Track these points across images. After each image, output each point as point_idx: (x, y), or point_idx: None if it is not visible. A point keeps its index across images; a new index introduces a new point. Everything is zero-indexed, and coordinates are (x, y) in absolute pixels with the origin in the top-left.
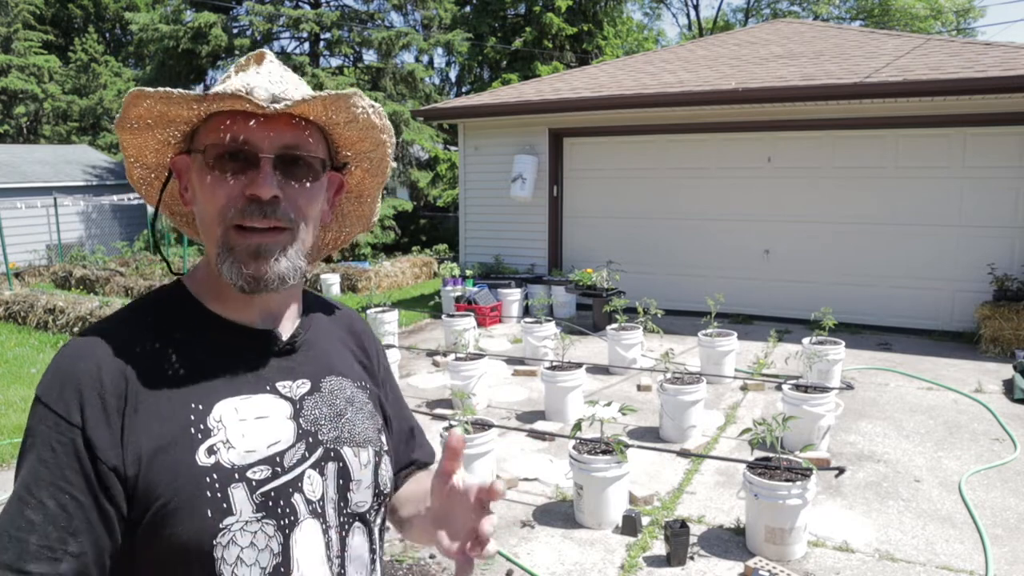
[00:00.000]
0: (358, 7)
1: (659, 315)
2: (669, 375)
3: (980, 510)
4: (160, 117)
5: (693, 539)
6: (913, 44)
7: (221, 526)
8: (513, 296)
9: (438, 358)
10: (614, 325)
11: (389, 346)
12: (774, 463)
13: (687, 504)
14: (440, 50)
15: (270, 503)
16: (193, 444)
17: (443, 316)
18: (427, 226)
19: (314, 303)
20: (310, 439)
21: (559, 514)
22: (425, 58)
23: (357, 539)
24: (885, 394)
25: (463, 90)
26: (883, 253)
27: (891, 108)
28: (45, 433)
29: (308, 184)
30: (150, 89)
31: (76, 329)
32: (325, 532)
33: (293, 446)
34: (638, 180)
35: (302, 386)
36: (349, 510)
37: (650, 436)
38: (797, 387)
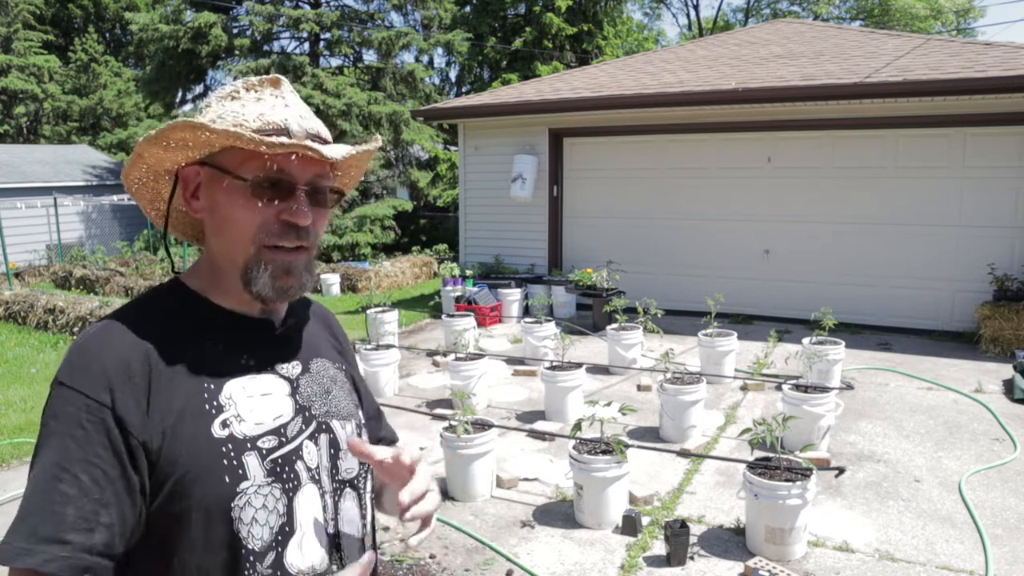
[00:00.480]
0: (358, 7)
1: (659, 315)
2: (669, 375)
3: (980, 510)
4: (205, 142)
5: (693, 539)
6: (913, 44)
7: (238, 490)
8: (513, 296)
9: (438, 358)
10: (614, 325)
11: (389, 346)
12: (774, 463)
13: (687, 504)
14: (440, 50)
15: (278, 468)
16: (208, 419)
17: (443, 316)
18: (427, 226)
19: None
20: (306, 413)
21: (559, 514)
22: (425, 58)
23: (348, 503)
24: (885, 394)
25: (463, 90)
26: (883, 253)
27: (891, 108)
28: (73, 414)
29: (326, 210)
30: (216, 127)
31: (76, 329)
32: (322, 497)
33: (293, 419)
34: (638, 180)
35: (296, 367)
36: (340, 477)
37: (650, 436)
38: (797, 387)
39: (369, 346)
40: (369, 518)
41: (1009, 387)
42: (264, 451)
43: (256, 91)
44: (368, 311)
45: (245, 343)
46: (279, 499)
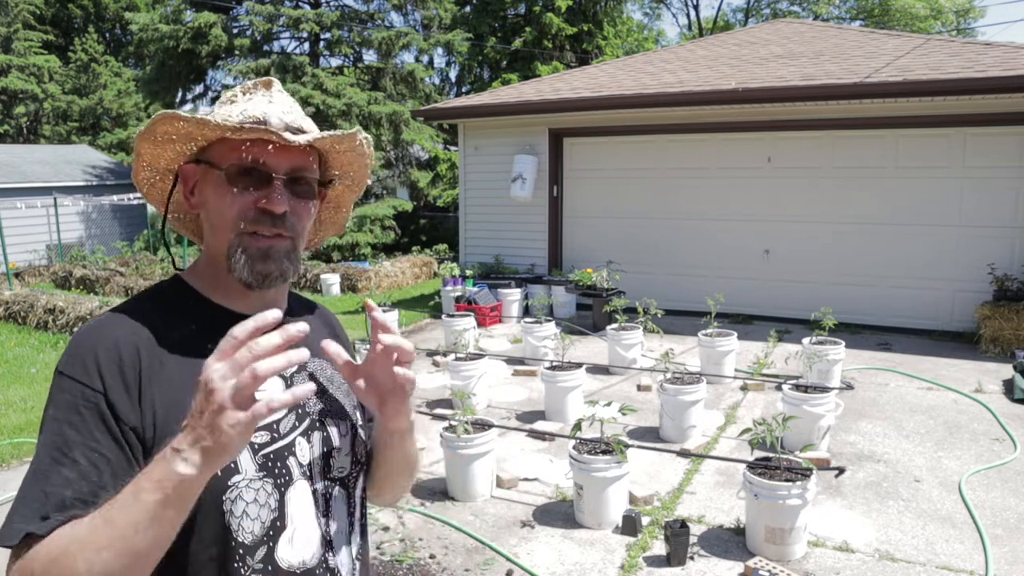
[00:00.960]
0: (358, 7)
1: (659, 315)
2: (669, 375)
3: (980, 510)
4: (186, 135)
5: (693, 539)
6: (913, 44)
7: (229, 483)
8: (513, 296)
9: (438, 358)
10: (614, 325)
11: None
12: (774, 463)
13: (687, 504)
14: (440, 50)
15: (269, 463)
16: None
17: (443, 316)
18: (427, 226)
19: (297, 301)
20: (299, 410)
21: (559, 514)
22: (425, 58)
23: (338, 501)
24: (885, 394)
25: (463, 90)
26: (883, 253)
27: (891, 108)
28: (70, 401)
29: (310, 204)
30: (186, 115)
31: (76, 329)
32: (313, 494)
33: (286, 416)
34: (638, 180)
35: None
36: (331, 475)
37: (650, 436)
38: (797, 387)
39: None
40: (358, 515)
41: (1009, 387)
42: (256, 446)
43: (250, 93)
44: None
45: None
46: (271, 494)
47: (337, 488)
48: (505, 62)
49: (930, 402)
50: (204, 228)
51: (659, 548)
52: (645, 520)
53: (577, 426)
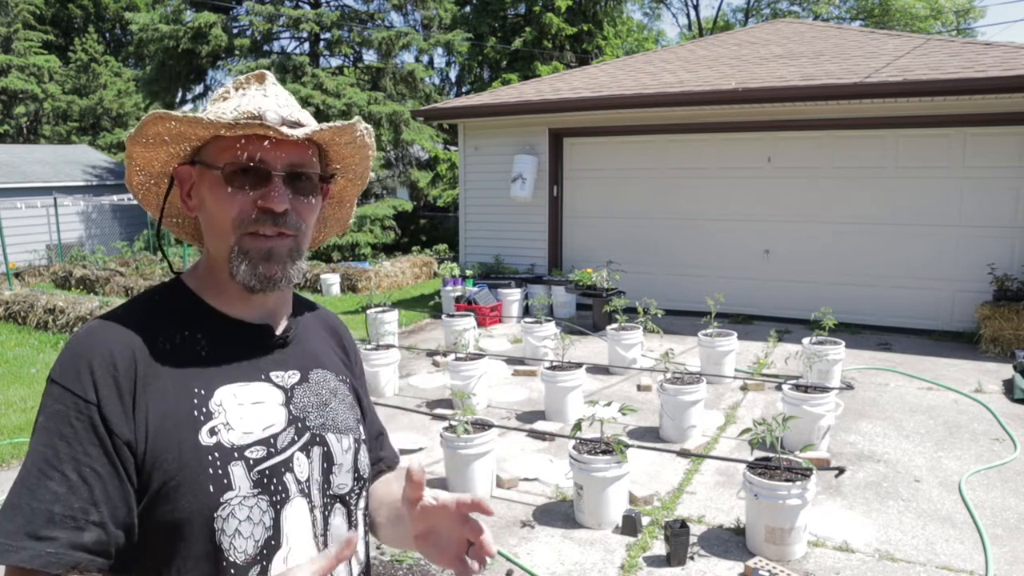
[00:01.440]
0: (358, 7)
1: (659, 315)
2: (669, 375)
3: (980, 510)
4: (178, 135)
5: (693, 539)
6: (913, 44)
7: (222, 500)
8: (513, 296)
9: (438, 358)
10: (614, 325)
11: (389, 346)
12: (774, 463)
13: (687, 504)
14: (440, 50)
15: (265, 480)
16: (196, 425)
17: (443, 316)
18: (427, 226)
19: (302, 305)
20: (299, 424)
21: (559, 514)
22: (425, 58)
23: (338, 519)
24: (885, 394)
25: (463, 90)
26: (883, 253)
27: (891, 108)
28: (62, 412)
29: (311, 199)
30: (176, 113)
31: (76, 329)
32: (311, 511)
33: (285, 430)
34: (638, 180)
35: (293, 376)
36: (331, 492)
37: (650, 436)
38: (797, 387)
39: (369, 346)
40: (360, 535)
41: (1009, 387)
42: (251, 461)
43: (243, 88)
44: (368, 311)
45: (239, 348)
46: (265, 511)
47: (338, 505)
48: (505, 62)
49: (930, 402)
50: (203, 231)
51: (659, 548)
52: (645, 520)
53: (577, 426)
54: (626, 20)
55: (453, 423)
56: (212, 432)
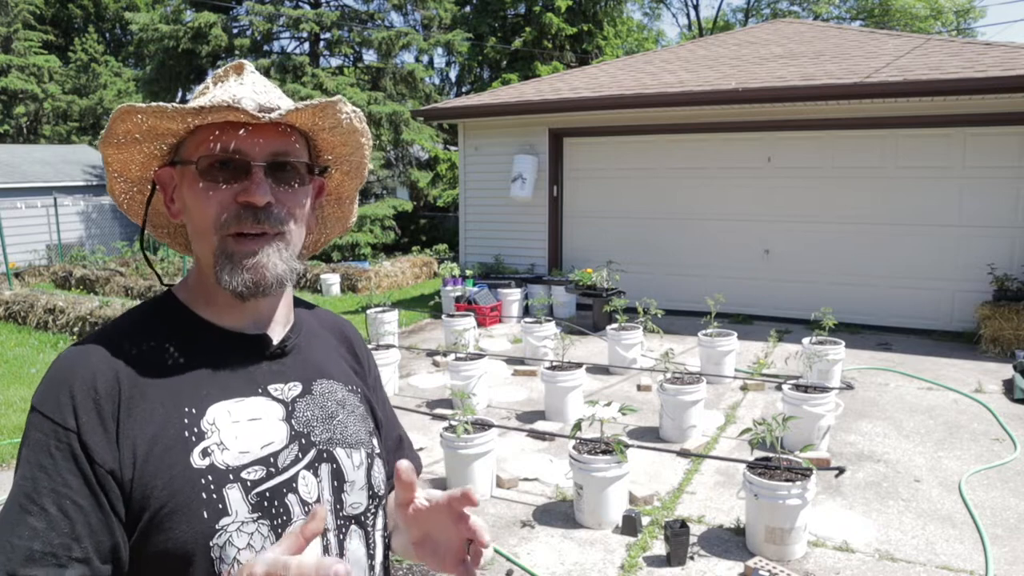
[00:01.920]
0: (358, 7)
1: (659, 315)
2: (669, 375)
3: (980, 510)
4: (149, 131)
5: (693, 539)
6: (913, 44)
7: (217, 527)
8: (513, 296)
9: (438, 358)
10: (614, 325)
11: (389, 346)
12: (774, 463)
13: (687, 504)
14: (440, 50)
15: (265, 503)
16: (187, 447)
17: (443, 316)
18: (427, 226)
19: (304, 309)
20: (303, 440)
21: (559, 514)
22: (425, 58)
23: (355, 543)
24: (885, 394)
25: (463, 90)
26: (883, 253)
27: (891, 108)
28: (42, 440)
29: (296, 187)
30: (141, 104)
31: (76, 329)
32: (323, 535)
33: (287, 447)
34: (638, 180)
35: (294, 388)
36: (345, 513)
37: (650, 436)
38: (797, 387)
39: (369, 346)
40: (379, 558)
41: (1009, 387)
42: (249, 483)
43: (222, 81)
44: (368, 311)
45: (233, 362)
46: (266, 537)
47: (353, 527)
48: (505, 62)
49: (930, 402)
50: (190, 237)
51: (659, 548)
52: (645, 520)
53: (577, 426)
54: (626, 20)
55: (453, 423)
56: (205, 453)
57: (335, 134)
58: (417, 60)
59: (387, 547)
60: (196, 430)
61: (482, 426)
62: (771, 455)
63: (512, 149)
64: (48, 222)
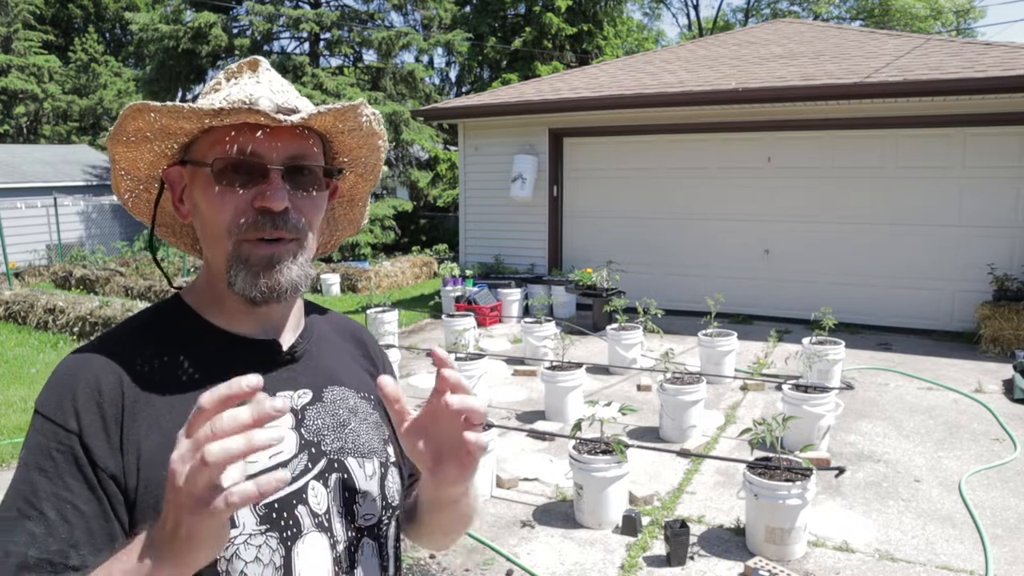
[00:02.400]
0: (358, 7)
1: (659, 315)
2: (669, 375)
3: (980, 510)
4: (161, 130)
5: (693, 539)
6: (913, 44)
7: None
8: (513, 296)
9: None
10: (614, 325)
11: (389, 346)
12: (774, 463)
13: (687, 504)
14: (440, 50)
15: (273, 515)
16: None
17: (443, 316)
18: (427, 226)
19: (315, 313)
20: (312, 449)
21: (559, 514)
22: (425, 58)
23: (368, 555)
24: (885, 394)
25: (463, 90)
26: (883, 253)
27: (891, 108)
28: (43, 443)
29: (314, 193)
30: (155, 103)
31: (76, 329)
32: (333, 547)
33: (296, 456)
34: (638, 180)
35: (303, 396)
36: (357, 524)
37: (650, 436)
38: (797, 387)
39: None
40: (392, 570)
41: (1009, 387)
42: None
43: (235, 77)
44: (368, 311)
45: (242, 368)
46: (275, 550)
47: (366, 539)
48: (505, 62)
49: (930, 402)
50: (199, 239)
51: (659, 548)
52: (645, 520)
53: (577, 426)
54: (626, 20)
55: None
56: None
57: (353, 136)
58: (417, 60)
59: (398, 559)
60: None
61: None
62: (771, 455)
63: (512, 149)
64: (48, 222)
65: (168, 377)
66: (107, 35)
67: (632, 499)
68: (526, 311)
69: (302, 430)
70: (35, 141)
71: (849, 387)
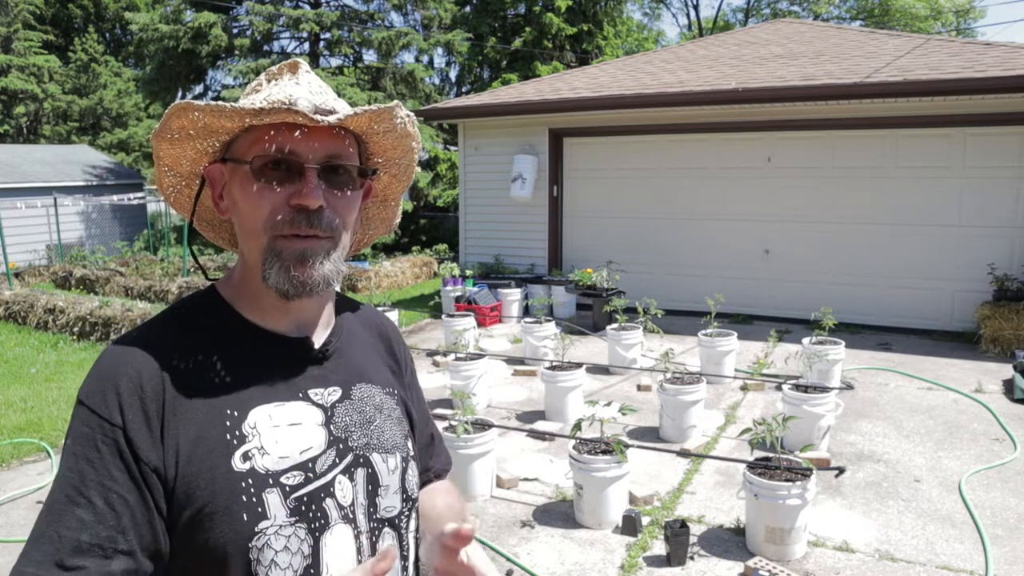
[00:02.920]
0: (358, 7)
1: (659, 315)
2: (669, 375)
3: (980, 510)
4: (204, 128)
5: (693, 539)
6: (913, 44)
7: (256, 530)
8: (513, 296)
9: (438, 358)
10: (614, 325)
11: None
12: (774, 463)
13: (687, 504)
14: (440, 50)
15: (303, 507)
16: (229, 450)
17: (443, 316)
18: (427, 226)
19: (346, 307)
20: (340, 445)
21: (559, 514)
22: (425, 58)
23: (388, 544)
24: (885, 394)
25: (463, 90)
26: (883, 253)
27: (891, 108)
28: (88, 434)
29: (349, 193)
30: (199, 102)
31: (76, 329)
32: (356, 537)
33: (324, 452)
34: (638, 180)
35: (333, 393)
36: (379, 516)
37: (650, 436)
38: (797, 387)
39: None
40: (412, 559)
41: (1009, 387)
42: (288, 488)
43: (276, 79)
44: None
45: (276, 365)
46: (303, 540)
47: (387, 530)
48: (505, 62)
49: (930, 402)
50: (237, 235)
51: (659, 548)
52: (645, 520)
53: (577, 426)
54: (626, 20)
55: (453, 423)
56: (246, 457)
57: (388, 138)
58: (417, 60)
59: (419, 549)
60: (238, 433)
61: (482, 426)
62: (771, 455)
63: (512, 149)
64: (48, 222)
65: (205, 372)
66: (107, 35)
67: (632, 499)
68: (526, 311)
69: (331, 426)
70: (35, 141)
71: (849, 387)
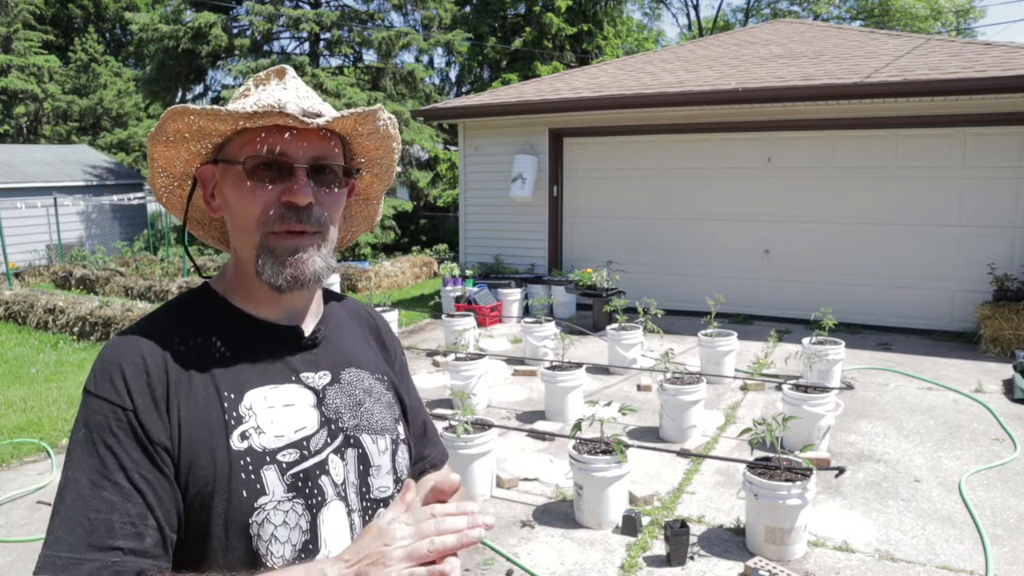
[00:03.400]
0: (358, 7)
1: (659, 315)
2: (669, 375)
3: (980, 510)
4: (198, 131)
5: (693, 539)
6: (913, 44)
7: (256, 505)
8: (513, 296)
9: (438, 358)
10: (614, 325)
11: None
12: (774, 463)
13: (687, 504)
14: (440, 50)
15: (299, 483)
16: (227, 430)
17: (443, 316)
18: (427, 226)
19: (333, 301)
20: (332, 426)
21: (559, 514)
22: (425, 58)
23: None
24: (885, 394)
25: (463, 90)
26: (883, 253)
27: (891, 108)
28: (103, 421)
29: (335, 190)
30: (195, 107)
31: (76, 329)
32: (349, 515)
33: (317, 432)
34: (638, 180)
35: (324, 377)
36: (371, 496)
37: (650, 436)
38: (797, 387)
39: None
40: None
41: (1009, 387)
42: (284, 465)
43: (264, 84)
44: None
45: (268, 351)
46: (301, 515)
47: (380, 509)
48: (505, 62)
49: (930, 402)
50: (229, 232)
51: (659, 548)
52: (645, 520)
53: (577, 426)
54: (626, 20)
55: (453, 423)
56: (243, 437)
57: (371, 139)
58: (417, 60)
59: None
60: (235, 414)
61: (482, 426)
62: (771, 455)
63: (512, 149)
64: (48, 222)
65: (204, 358)
66: (107, 35)
67: (632, 499)
68: (526, 311)
69: (323, 408)
70: (35, 141)
71: (849, 387)
